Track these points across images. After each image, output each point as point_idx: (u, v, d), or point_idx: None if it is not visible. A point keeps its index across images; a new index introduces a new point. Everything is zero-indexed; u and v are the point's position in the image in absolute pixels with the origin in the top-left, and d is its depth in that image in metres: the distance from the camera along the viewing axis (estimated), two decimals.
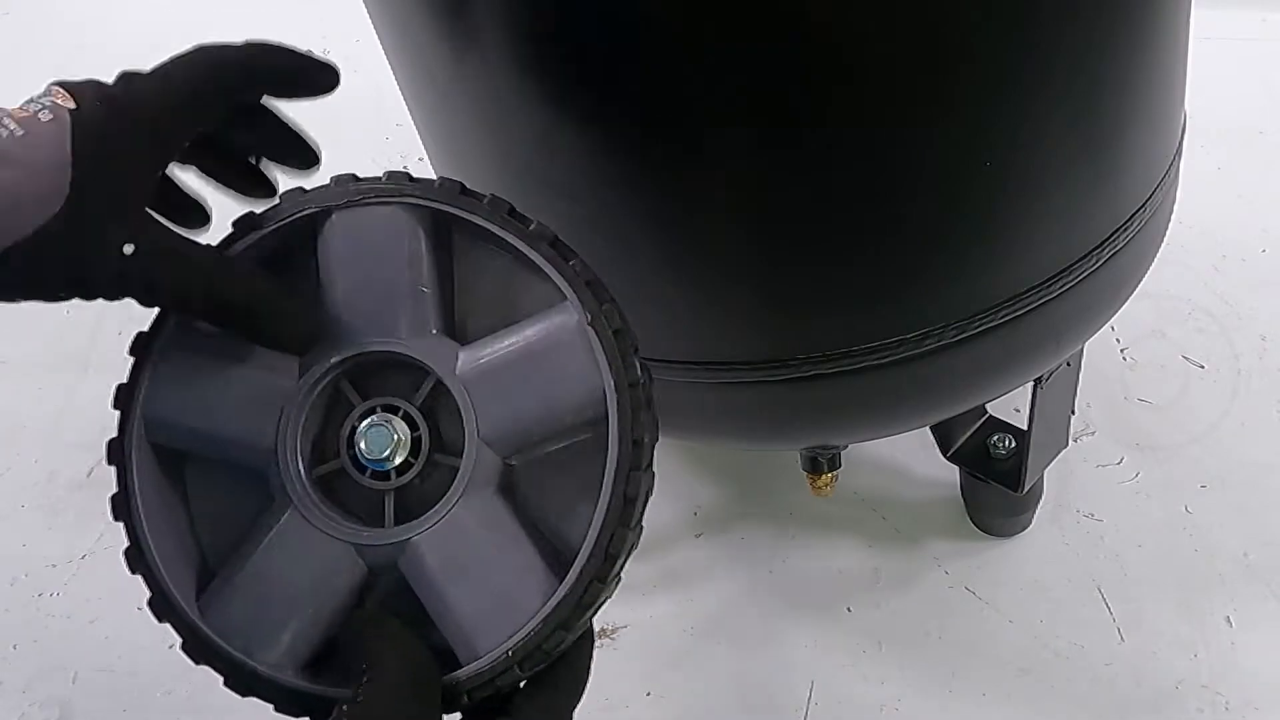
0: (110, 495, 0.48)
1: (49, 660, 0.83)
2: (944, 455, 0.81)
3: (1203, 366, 0.95)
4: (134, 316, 1.16)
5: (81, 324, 1.04)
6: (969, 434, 0.80)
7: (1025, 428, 0.79)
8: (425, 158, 0.65)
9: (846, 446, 0.76)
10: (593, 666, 0.44)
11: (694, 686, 0.78)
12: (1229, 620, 0.79)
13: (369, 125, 1.25)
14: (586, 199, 0.54)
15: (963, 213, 0.53)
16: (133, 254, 0.45)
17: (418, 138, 0.66)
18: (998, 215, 0.53)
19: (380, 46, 0.60)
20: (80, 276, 0.45)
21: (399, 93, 0.62)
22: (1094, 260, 0.58)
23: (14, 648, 0.84)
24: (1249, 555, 0.83)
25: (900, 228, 0.52)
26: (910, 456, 0.90)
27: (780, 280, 0.55)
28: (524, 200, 0.57)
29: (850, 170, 0.50)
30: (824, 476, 0.76)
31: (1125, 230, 0.59)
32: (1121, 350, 0.95)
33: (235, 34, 0.57)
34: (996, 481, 0.78)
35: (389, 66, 0.61)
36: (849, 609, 0.82)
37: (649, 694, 0.77)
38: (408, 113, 0.63)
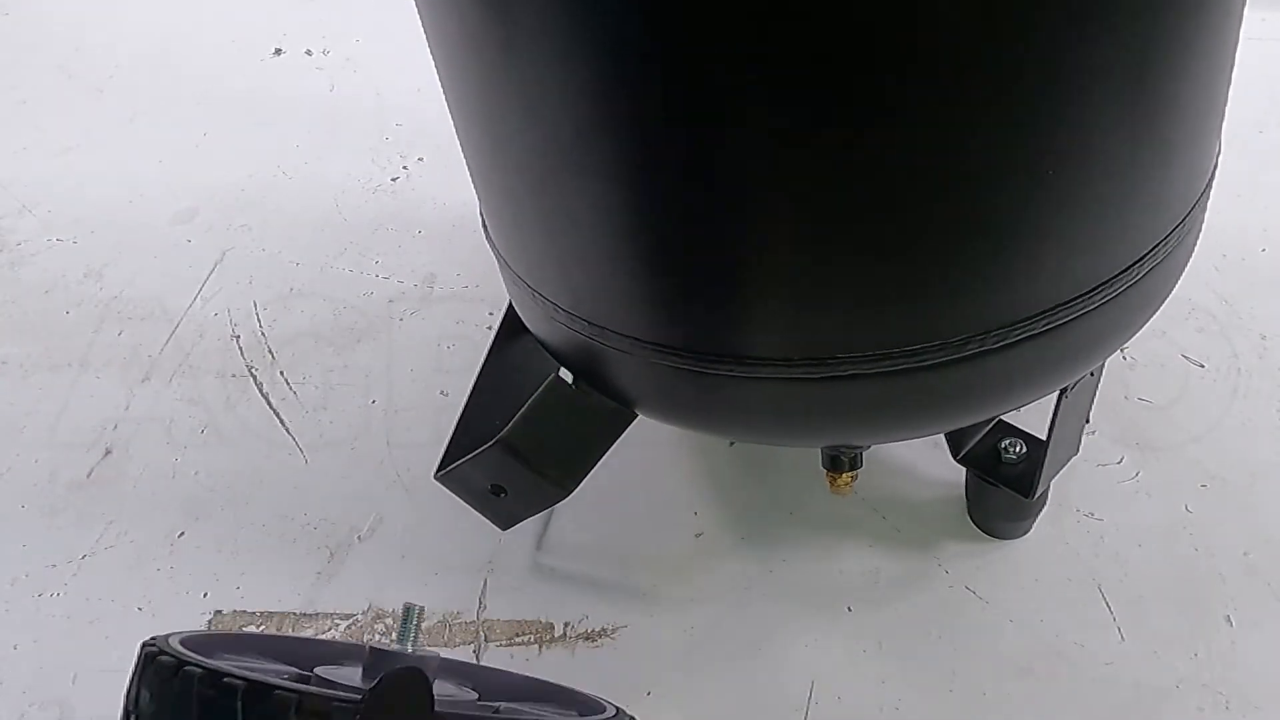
0: None
1: (49, 660, 0.83)
2: (954, 458, 0.80)
3: (1203, 366, 0.95)
4: (134, 316, 1.16)
5: (81, 324, 1.05)
6: (980, 438, 0.80)
7: (1030, 433, 0.79)
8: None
9: (870, 446, 0.76)
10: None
11: (694, 686, 0.78)
12: (1229, 620, 0.79)
13: (369, 125, 1.25)
14: (626, 188, 0.53)
15: (1018, 220, 0.52)
16: None
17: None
18: (1052, 224, 0.53)
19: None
20: None
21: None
22: (1134, 274, 0.58)
23: (14, 648, 0.84)
24: (1249, 555, 0.83)
25: (953, 233, 0.52)
26: (910, 457, 0.90)
27: (827, 280, 0.54)
28: (562, 186, 0.56)
29: (908, 174, 0.49)
30: (844, 476, 0.76)
31: (1165, 244, 0.59)
32: (1121, 350, 0.95)
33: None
34: (1007, 486, 0.78)
35: (429, 56, 0.60)
36: (849, 609, 0.82)
37: (649, 694, 0.77)
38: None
